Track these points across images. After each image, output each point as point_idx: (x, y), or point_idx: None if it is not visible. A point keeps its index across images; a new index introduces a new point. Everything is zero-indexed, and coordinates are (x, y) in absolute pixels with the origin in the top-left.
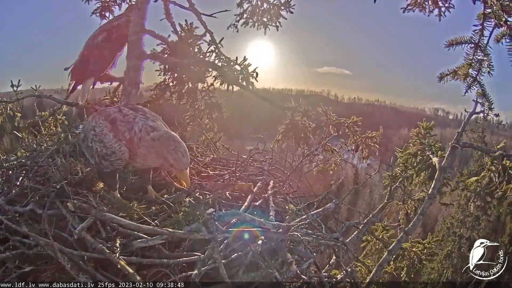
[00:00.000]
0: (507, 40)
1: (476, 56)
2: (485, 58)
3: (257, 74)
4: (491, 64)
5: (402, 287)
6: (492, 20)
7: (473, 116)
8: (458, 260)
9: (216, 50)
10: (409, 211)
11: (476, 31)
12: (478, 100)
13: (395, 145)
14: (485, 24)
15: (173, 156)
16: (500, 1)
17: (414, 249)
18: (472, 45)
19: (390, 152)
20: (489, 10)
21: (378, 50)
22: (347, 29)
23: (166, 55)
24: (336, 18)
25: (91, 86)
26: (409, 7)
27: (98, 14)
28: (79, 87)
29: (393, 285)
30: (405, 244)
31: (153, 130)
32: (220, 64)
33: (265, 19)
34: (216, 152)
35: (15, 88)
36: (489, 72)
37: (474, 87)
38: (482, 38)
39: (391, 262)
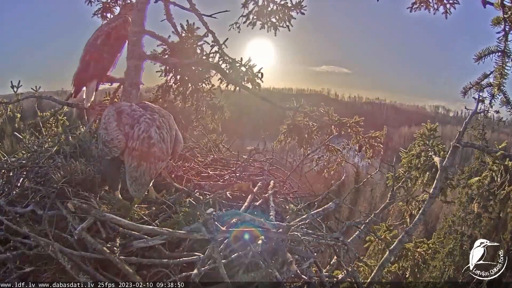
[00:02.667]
0: None
1: (506, 64)
2: (509, 63)
3: (262, 74)
4: None
5: (404, 286)
6: (509, 23)
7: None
8: (460, 258)
9: (220, 51)
10: (413, 211)
11: (500, 38)
12: (479, 99)
13: (395, 143)
14: (507, 29)
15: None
16: None
17: (418, 250)
18: (500, 53)
19: (390, 151)
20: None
21: (377, 48)
22: (345, 27)
23: (166, 56)
24: (333, 16)
25: (95, 89)
26: (414, 6)
27: (99, 15)
28: (83, 90)
29: (395, 284)
30: (409, 244)
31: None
32: (224, 65)
33: (274, 20)
34: (218, 153)
35: (15, 89)
36: None
37: (498, 96)
38: (507, 43)
39: (395, 263)
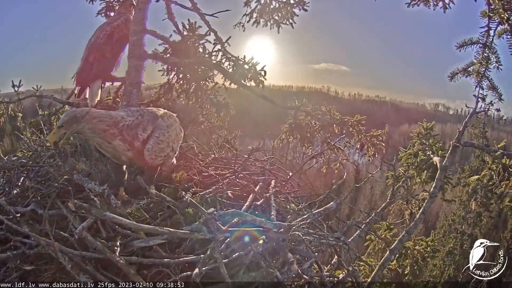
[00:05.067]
0: (508, 36)
1: (485, 54)
2: (492, 55)
3: (265, 72)
4: (499, 60)
5: (404, 285)
6: (495, 18)
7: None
8: (460, 257)
9: (222, 49)
10: (413, 210)
11: (483, 33)
12: (479, 97)
13: (395, 141)
14: (490, 25)
15: None
16: (502, 0)
17: (417, 247)
18: (481, 45)
19: (391, 149)
20: (493, 11)
21: (376, 46)
22: (343, 25)
23: (168, 55)
24: (332, 14)
25: (100, 88)
26: (413, 2)
27: (103, 15)
28: (87, 90)
29: (396, 283)
30: (408, 243)
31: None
32: (227, 63)
33: (277, 18)
34: (231, 150)
35: (16, 89)
36: (497, 67)
37: (484, 82)
38: (488, 38)
39: (394, 261)
